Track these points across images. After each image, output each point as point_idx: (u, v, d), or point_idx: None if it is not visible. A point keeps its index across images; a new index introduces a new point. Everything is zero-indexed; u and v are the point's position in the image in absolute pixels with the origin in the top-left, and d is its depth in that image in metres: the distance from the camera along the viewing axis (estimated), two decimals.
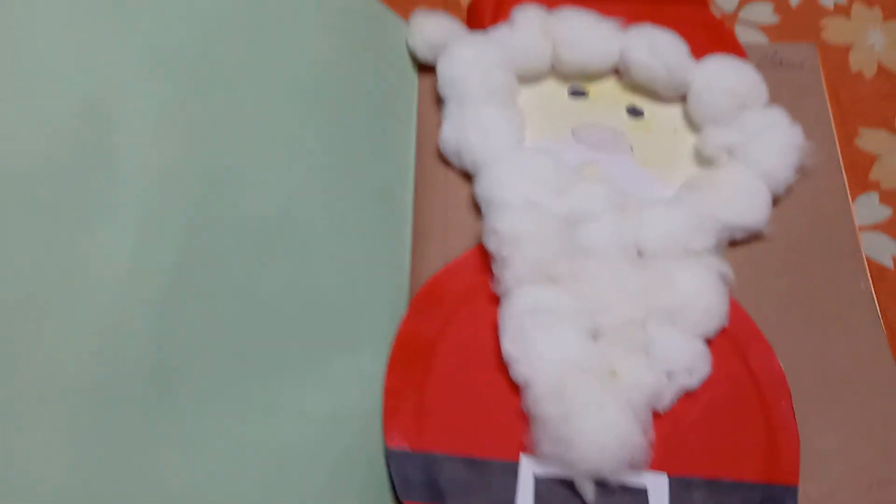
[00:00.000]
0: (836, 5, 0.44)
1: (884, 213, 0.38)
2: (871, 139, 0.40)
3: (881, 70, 0.42)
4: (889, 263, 0.37)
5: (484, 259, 0.34)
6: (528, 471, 0.30)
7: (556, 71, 0.40)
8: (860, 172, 0.39)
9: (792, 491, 0.30)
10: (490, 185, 0.35)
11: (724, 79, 0.38)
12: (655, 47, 0.39)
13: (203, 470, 0.27)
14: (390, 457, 0.30)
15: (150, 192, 0.29)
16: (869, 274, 0.36)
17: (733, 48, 0.40)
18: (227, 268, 0.30)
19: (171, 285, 0.28)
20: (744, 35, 0.42)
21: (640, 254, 0.35)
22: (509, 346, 0.32)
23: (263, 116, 0.33)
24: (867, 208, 0.38)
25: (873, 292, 0.35)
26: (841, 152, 0.38)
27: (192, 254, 0.29)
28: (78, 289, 0.26)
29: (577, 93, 0.40)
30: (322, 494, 0.29)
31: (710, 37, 0.40)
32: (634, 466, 0.30)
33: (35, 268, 0.26)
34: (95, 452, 0.25)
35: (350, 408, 0.31)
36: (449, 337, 0.33)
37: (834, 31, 0.43)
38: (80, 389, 0.26)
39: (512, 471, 0.30)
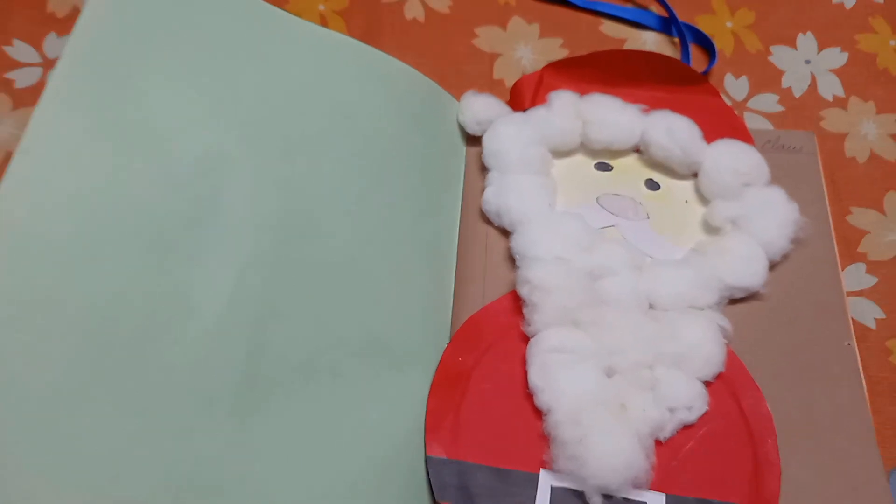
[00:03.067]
0: (834, 97, 0.50)
1: (869, 281, 0.43)
2: (861, 217, 0.45)
3: (873, 156, 0.47)
4: (872, 325, 0.42)
5: (516, 303, 0.40)
6: (546, 482, 0.36)
7: (585, 147, 0.46)
8: (850, 245, 0.44)
9: None
10: (525, 242, 0.41)
11: (730, 160, 0.44)
12: (672, 130, 0.45)
13: (279, 458, 0.33)
14: (430, 463, 0.36)
15: (248, 236, 0.36)
16: (853, 334, 0.40)
17: (741, 133, 0.46)
18: (305, 298, 0.37)
19: (260, 310, 0.35)
20: (751, 121, 0.48)
21: (651, 306, 0.40)
22: (535, 377, 0.38)
23: (337, 178, 0.40)
24: (854, 276, 0.43)
25: (856, 350, 0.40)
26: (833, 227, 0.44)
27: (278, 286, 0.36)
28: (190, 309, 0.33)
29: (603, 166, 0.46)
30: (372, 489, 0.34)
31: (721, 122, 0.46)
32: (637, 485, 0.35)
33: (158, 291, 0.33)
34: (198, 439, 0.32)
35: (398, 421, 0.37)
36: (483, 367, 0.39)
37: (832, 121, 0.49)
38: (187, 390, 0.32)
39: (532, 481, 0.36)
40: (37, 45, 0.49)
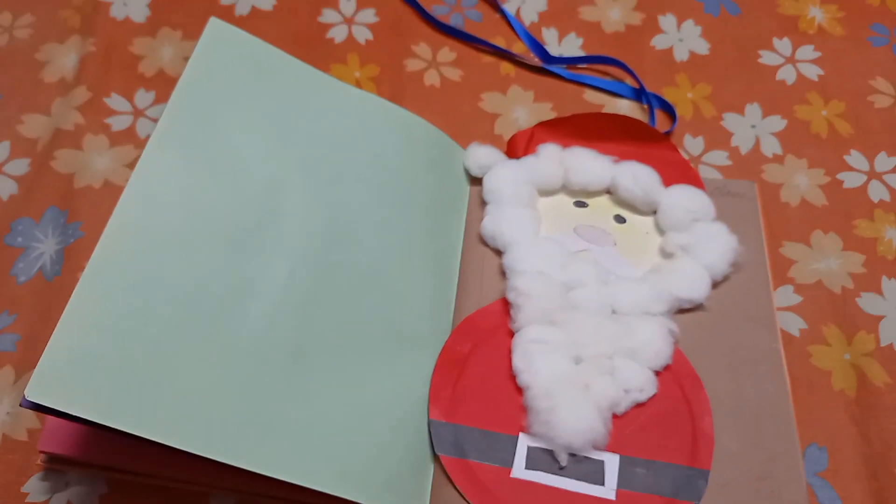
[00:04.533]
0: (774, 155, 0.60)
1: (796, 299, 0.53)
2: (791, 249, 0.55)
3: (803, 202, 0.57)
4: (796, 333, 0.51)
5: (505, 307, 0.50)
6: (523, 443, 0.45)
7: (566, 188, 0.57)
8: (782, 271, 0.54)
9: (705, 473, 0.44)
10: (513, 259, 0.51)
11: (683, 200, 0.54)
12: (636, 176, 0.55)
13: (315, 410, 0.42)
14: (431, 424, 0.45)
15: (299, 242, 0.47)
16: (780, 339, 0.49)
17: (694, 180, 0.56)
18: (340, 292, 0.47)
19: (305, 298, 0.45)
20: (705, 172, 0.59)
21: (614, 311, 0.50)
22: (518, 362, 0.47)
23: (368, 203, 0.51)
24: (784, 296, 0.53)
25: (782, 352, 0.49)
26: (768, 256, 0.53)
27: (320, 280, 0.46)
28: (253, 293, 0.44)
29: (580, 203, 0.56)
30: (388, 441, 0.44)
31: (678, 172, 0.57)
32: (596, 447, 0.45)
33: (231, 277, 0.43)
34: (256, 388, 0.41)
35: (409, 390, 0.46)
36: (477, 354, 0.48)
37: (771, 173, 0.59)
38: (251, 351, 0.42)
39: (513, 441, 0.45)
40: (129, 98, 0.60)
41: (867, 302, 0.53)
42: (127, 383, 0.37)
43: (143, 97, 0.61)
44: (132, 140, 0.58)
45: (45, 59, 0.62)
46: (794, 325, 0.52)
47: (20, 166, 0.56)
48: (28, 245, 0.52)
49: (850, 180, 0.58)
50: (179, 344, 0.40)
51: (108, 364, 0.37)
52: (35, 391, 0.34)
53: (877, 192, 0.58)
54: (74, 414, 0.35)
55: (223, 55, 0.50)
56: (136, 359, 0.38)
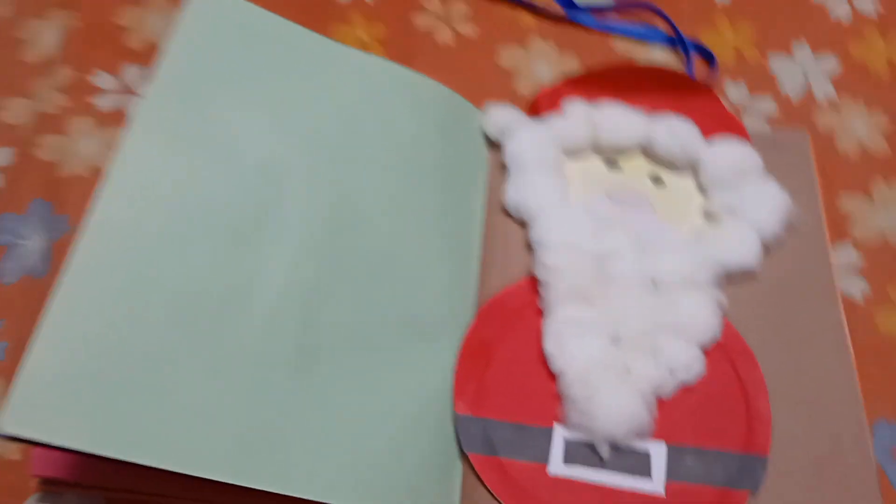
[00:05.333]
0: (827, 100, 0.54)
1: (857, 259, 0.48)
2: (849, 202, 0.50)
3: (862, 150, 0.52)
4: (859, 298, 0.46)
5: (533, 285, 0.45)
6: (559, 435, 0.41)
7: (596, 148, 0.51)
8: (840, 228, 0.49)
9: (763, 460, 0.40)
10: (541, 231, 0.47)
11: (727, 155, 0.49)
12: (673, 130, 0.50)
13: (330, 413, 0.38)
14: (458, 420, 0.41)
15: (303, 228, 0.42)
16: (842, 306, 0.45)
17: (738, 132, 0.51)
18: (350, 282, 0.42)
19: (311, 291, 0.41)
20: (749, 122, 0.53)
21: (654, 284, 0.45)
22: (550, 345, 0.43)
23: (377, 179, 0.47)
24: (843, 255, 0.48)
25: (844, 321, 0.44)
26: (824, 212, 0.48)
27: (328, 270, 0.42)
28: (254, 289, 0.39)
29: (612, 164, 0.51)
30: (410, 443, 0.40)
31: (720, 123, 0.51)
32: (640, 436, 0.40)
33: (231, 274, 0.39)
34: (263, 398, 0.37)
35: (431, 384, 0.42)
36: (505, 338, 0.44)
37: (825, 120, 0.53)
38: (255, 356, 0.38)
39: (547, 434, 0.41)
40: (116, 74, 0.56)
41: None
42: (117, 403, 0.33)
43: (132, 73, 0.56)
44: (122, 121, 0.54)
45: (25, 38, 0.58)
46: (857, 288, 0.47)
47: (4, 156, 0.52)
48: (13, 242, 0.49)
49: None
50: (175, 354, 0.36)
51: (93, 384, 0.33)
52: (11, 422, 0.30)
53: None
54: (57, 444, 0.31)
55: (212, 22, 0.45)
56: (126, 374, 0.34)
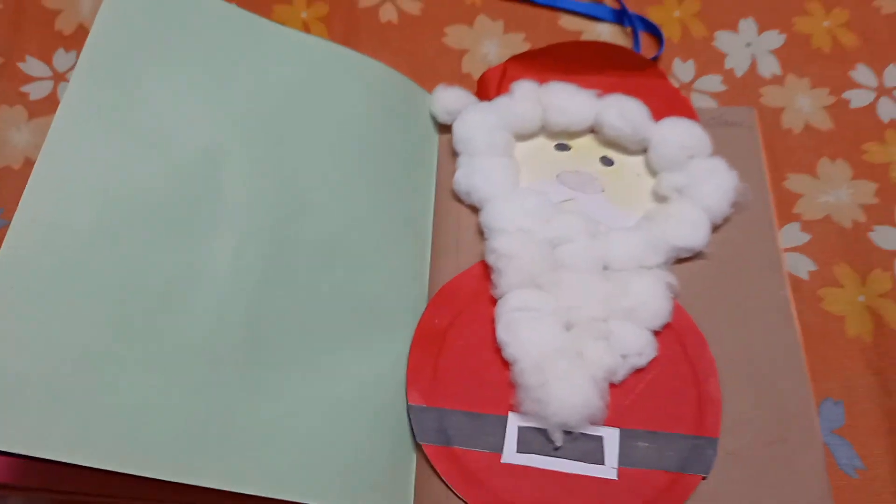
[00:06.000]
0: (773, 76, 0.54)
1: (803, 238, 0.48)
2: (796, 181, 0.50)
3: (807, 127, 0.52)
4: (805, 276, 0.47)
5: (485, 271, 0.45)
6: (513, 423, 0.41)
7: (546, 130, 0.51)
8: (786, 207, 0.49)
9: (713, 441, 0.40)
10: (491, 216, 0.46)
11: (676, 135, 0.49)
12: (623, 111, 0.49)
13: (280, 408, 0.38)
14: (411, 410, 0.41)
15: (245, 215, 0.41)
16: (788, 284, 0.45)
17: (686, 111, 0.51)
18: (298, 270, 0.42)
19: (259, 280, 0.40)
20: (697, 101, 0.53)
21: (605, 268, 0.45)
22: (503, 333, 0.43)
23: (323, 165, 0.45)
24: (790, 235, 0.48)
25: (791, 299, 0.45)
26: (771, 191, 0.49)
27: (274, 259, 0.41)
28: (196, 281, 0.38)
29: (562, 147, 0.51)
30: (363, 434, 0.39)
31: (668, 103, 0.51)
32: (594, 422, 0.40)
33: (170, 266, 0.38)
34: (208, 392, 0.37)
35: (384, 374, 0.42)
36: (457, 327, 0.44)
37: (770, 97, 0.54)
38: (199, 349, 0.37)
39: (502, 423, 0.41)
40: (47, 61, 0.54)
41: (881, 236, 0.48)
42: (53, 404, 0.32)
43: (63, 58, 0.54)
44: (54, 109, 0.51)
45: None
46: (803, 266, 0.47)
47: None
48: None
49: (858, 99, 0.53)
50: (112, 350, 0.35)
51: (28, 384, 0.32)
52: None
53: (887, 111, 0.52)
54: None
55: (141, 2, 0.43)
56: (63, 374, 0.33)
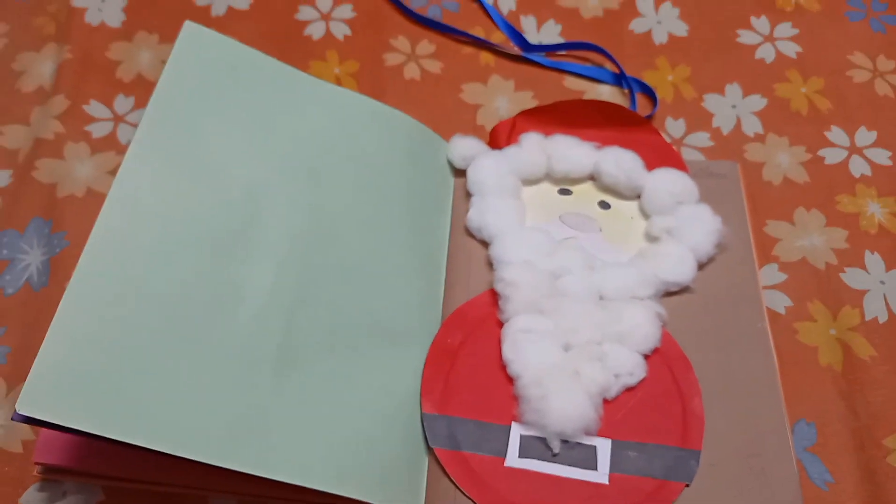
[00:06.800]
0: (755, 134, 0.60)
1: (781, 277, 0.53)
2: (775, 227, 0.55)
3: (786, 180, 0.58)
4: (782, 311, 0.52)
5: (493, 298, 0.50)
6: (516, 431, 0.45)
7: (550, 176, 0.57)
8: (766, 250, 0.54)
9: (696, 453, 0.45)
10: (500, 250, 0.51)
11: (666, 183, 0.54)
12: (619, 161, 0.55)
13: (308, 410, 0.42)
14: (425, 418, 0.46)
15: (284, 244, 0.47)
16: (767, 318, 0.50)
17: (676, 163, 0.56)
18: (326, 292, 0.47)
19: (291, 299, 0.45)
20: (687, 154, 0.59)
21: (601, 297, 0.50)
22: (508, 352, 0.47)
23: (351, 202, 0.51)
24: (769, 274, 0.53)
25: (769, 330, 0.49)
26: (752, 235, 0.54)
27: (307, 281, 0.46)
28: (240, 298, 0.44)
29: (564, 191, 0.57)
30: (380, 438, 0.44)
31: (660, 155, 0.57)
32: (588, 433, 0.45)
33: (217, 284, 0.44)
34: (246, 392, 0.41)
35: (401, 385, 0.46)
36: (467, 345, 0.49)
37: (753, 152, 0.59)
38: (239, 355, 0.42)
39: (505, 431, 0.45)
40: (109, 104, 0.60)
41: (851, 277, 0.53)
42: (117, 392, 0.37)
43: (123, 103, 0.61)
44: (114, 146, 0.58)
45: (22, 69, 0.61)
46: (780, 302, 0.52)
47: (2, 178, 0.56)
48: (14, 257, 0.52)
49: (832, 156, 0.59)
50: (167, 350, 0.40)
51: (97, 374, 0.37)
52: (26, 404, 0.34)
53: (858, 168, 0.58)
54: (66, 425, 0.35)
55: (199, 58, 0.50)
56: (125, 367, 0.38)
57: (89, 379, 0.37)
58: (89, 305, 0.39)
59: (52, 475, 0.43)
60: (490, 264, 0.52)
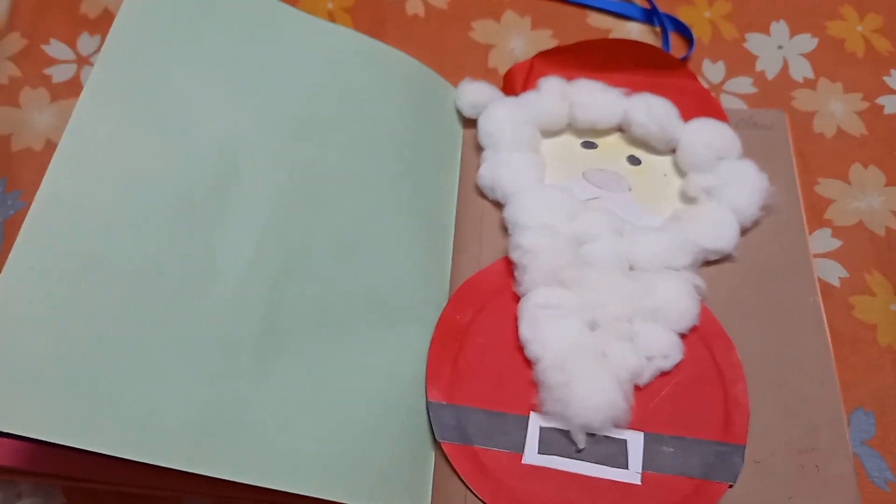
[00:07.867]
0: (804, 79, 0.53)
1: (834, 244, 0.47)
2: (827, 187, 0.49)
3: (839, 132, 0.51)
4: (836, 283, 0.46)
5: (508, 267, 0.44)
6: (535, 423, 0.40)
7: (572, 127, 0.50)
8: (817, 212, 0.48)
9: (741, 449, 0.39)
10: (516, 212, 0.45)
11: (705, 136, 0.48)
12: (651, 110, 0.49)
13: (294, 400, 0.37)
14: (430, 407, 0.40)
15: (265, 206, 0.41)
16: (819, 291, 0.44)
17: (716, 112, 0.50)
18: (318, 262, 0.41)
19: (277, 272, 0.39)
20: (727, 102, 0.52)
21: (631, 267, 0.44)
22: (525, 331, 0.42)
23: (343, 156, 0.45)
24: (821, 240, 0.47)
25: (821, 305, 0.44)
26: (802, 196, 0.48)
27: (293, 250, 0.40)
28: (215, 270, 0.38)
29: (589, 144, 0.50)
30: (378, 431, 0.38)
31: (698, 103, 0.50)
32: (617, 424, 0.39)
33: (188, 254, 0.38)
34: (223, 382, 0.36)
35: (402, 370, 0.41)
36: (479, 323, 0.43)
37: (802, 100, 0.53)
38: (215, 339, 0.36)
39: (523, 423, 0.40)
40: (71, 44, 0.54)
41: None
42: (70, 389, 0.32)
43: (88, 42, 0.54)
44: (77, 93, 0.52)
45: None
46: (834, 273, 0.46)
47: None
48: None
49: (892, 105, 0.52)
50: (128, 336, 0.34)
51: (43, 366, 0.32)
52: None
53: None
54: (3, 430, 0.29)
55: None
56: (76, 358, 0.33)
57: (33, 373, 0.31)
58: (33, 284, 0.33)
59: (6, 475, 0.38)
60: (504, 229, 0.46)
